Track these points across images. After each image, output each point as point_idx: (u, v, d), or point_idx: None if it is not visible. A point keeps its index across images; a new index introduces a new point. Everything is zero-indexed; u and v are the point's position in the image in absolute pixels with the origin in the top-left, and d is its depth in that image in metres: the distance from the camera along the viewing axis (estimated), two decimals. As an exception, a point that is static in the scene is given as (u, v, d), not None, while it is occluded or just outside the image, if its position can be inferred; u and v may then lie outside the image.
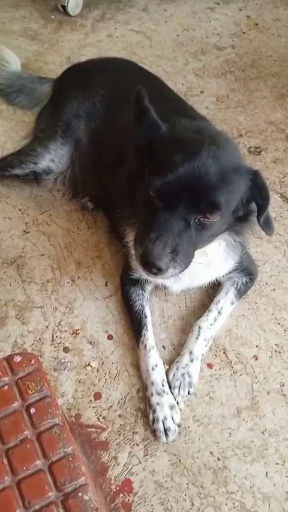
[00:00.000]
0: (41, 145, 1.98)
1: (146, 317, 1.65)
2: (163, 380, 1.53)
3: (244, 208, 1.38)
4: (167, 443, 1.46)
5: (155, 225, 1.23)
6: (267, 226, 1.38)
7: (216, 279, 1.70)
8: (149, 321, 1.65)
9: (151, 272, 1.23)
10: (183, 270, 1.29)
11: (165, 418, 1.47)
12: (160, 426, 1.45)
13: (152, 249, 1.20)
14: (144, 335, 1.61)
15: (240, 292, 1.71)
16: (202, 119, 1.86)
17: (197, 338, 1.60)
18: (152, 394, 1.51)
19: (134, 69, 2.12)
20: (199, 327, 1.62)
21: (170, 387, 1.54)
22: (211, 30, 2.83)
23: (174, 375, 1.56)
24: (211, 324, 1.63)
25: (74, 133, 1.97)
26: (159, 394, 1.50)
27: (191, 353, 1.58)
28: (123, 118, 1.81)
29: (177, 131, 1.36)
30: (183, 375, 1.55)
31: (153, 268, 1.22)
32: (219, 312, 1.66)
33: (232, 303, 1.69)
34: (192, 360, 1.57)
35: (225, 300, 1.68)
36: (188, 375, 1.55)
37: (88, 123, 1.95)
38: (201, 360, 1.60)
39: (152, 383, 1.52)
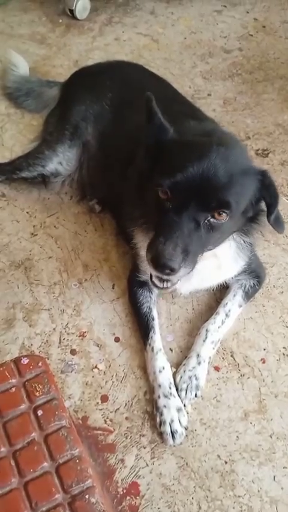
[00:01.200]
0: (49, 148, 1.99)
1: (153, 319, 1.64)
2: (170, 383, 1.53)
3: (254, 209, 1.39)
4: (174, 445, 1.45)
5: (165, 226, 1.23)
6: (278, 224, 1.38)
7: (224, 281, 1.69)
8: (156, 323, 1.64)
9: (164, 273, 1.24)
10: (191, 270, 1.30)
11: (172, 421, 1.46)
12: (167, 429, 1.45)
13: (164, 250, 1.20)
14: (152, 337, 1.61)
15: (248, 295, 1.70)
16: (210, 121, 1.86)
17: (204, 341, 1.60)
18: (159, 397, 1.51)
19: (141, 72, 2.13)
20: (206, 330, 1.62)
21: (177, 389, 1.54)
22: (218, 33, 2.83)
23: (181, 377, 1.55)
24: (218, 327, 1.63)
25: (82, 135, 1.97)
26: (166, 397, 1.50)
27: (198, 355, 1.58)
28: (131, 120, 1.81)
29: (185, 133, 1.37)
30: (190, 378, 1.54)
31: (165, 269, 1.22)
32: (226, 315, 1.65)
33: (240, 306, 1.68)
34: (199, 363, 1.57)
35: (233, 303, 1.67)
36: (195, 378, 1.55)
37: (96, 126, 1.95)
38: (209, 363, 1.60)
39: (159, 386, 1.52)
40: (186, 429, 1.48)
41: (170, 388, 1.52)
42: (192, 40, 2.79)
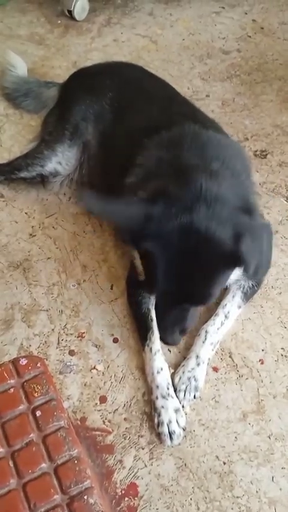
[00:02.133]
0: (48, 148, 1.99)
1: (151, 320, 1.64)
2: (168, 384, 1.53)
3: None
4: (172, 446, 1.45)
5: (162, 315, 1.46)
6: (255, 275, 1.40)
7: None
8: (154, 324, 1.64)
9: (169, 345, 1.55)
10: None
11: (170, 422, 1.46)
12: (165, 429, 1.45)
13: (165, 337, 1.48)
14: (150, 338, 1.60)
15: (247, 296, 1.70)
16: (210, 122, 1.84)
17: (203, 342, 1.60)
18: (157, 397, 1.51)
19: (141, 72, 2.13)
20: (206, 331, 1.62)
21: (175, 390, 1.54)
22: (217, 34, 2.83)
23: (180, 378, 1.55)
24: (218, 328, 1.63)
25: (82, 135, 1.97)
26: (164, 397, 1.50)
27: (197, 357, 1.58)
28: (131, 120, 1.82)
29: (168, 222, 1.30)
30: (189, 379, 1.54)
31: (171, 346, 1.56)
32: (226, 316, 1.65)
33: (239, 307, 1.68)
34: (198, 364, 1.57)
35: (232, 304, 1.67)
36: (194, 379, 1.54)
37: (97, 125, 1.95)
38: (208, 364, 1.60)
39: (157, 386, 1.52)
40: (184, 430, 1.48)
41: (168, 389, 1.52)
42: (190, 41, 2.79)
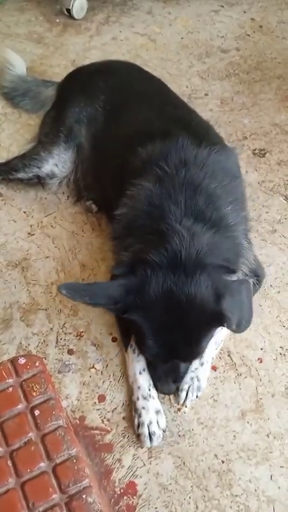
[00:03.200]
0: (45, 150, 1.99)
1: None
2: (150, 385, 1.52)
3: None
4: (150, 447, 1.46)
5: (155, 370, 1.47)
6: (238, 328, 1.34)
7: None
8: None
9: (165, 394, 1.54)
10: None
11: (150, 423, 1.46)
12: (145, 430, 1.45)
13: (160, 387, 1.49)
14: (134, 339, 1.60)
15: None
16: (206, 128, 1.82)
17: None
18: (138, 398, 1.50)
19: (136, 73, 2.11)
20: None
21: (177, 389, 1.53)
22: (215, 33, 2.83)
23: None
24: (221, 328, 1.62)
25: (76, 138, 1.97)
26: (145, 398, 1.50)
27: (201, 357, 1.57)
28: (123, 123, 1.81)
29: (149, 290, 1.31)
30: (192, 379, 1.53)
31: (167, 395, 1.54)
32: None
33: None
34: (202, 364, 1.56)
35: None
36: (197, 379, 1.53)
37: (89, 128, 1.95)
38: (211, 364, 1.59)
39: (139, 387, 1.51)
40: (164, 431, 1.48)
41: (149, 390, 1.51)
42: (189, 40, 2.79)
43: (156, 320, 1.30)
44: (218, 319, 1.29)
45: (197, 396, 1.53)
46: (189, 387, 1.53)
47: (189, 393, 1.52)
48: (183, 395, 1.52)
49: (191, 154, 1.55)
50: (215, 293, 1.28)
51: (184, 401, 1.52)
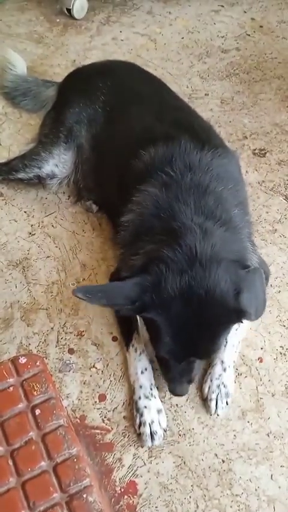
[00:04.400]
0: (45, 150, 1.99)
1: (136, 321, 1.63)
2: (151, 384, 1.53)
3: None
4: (152, 446, 1.46)
5: (168, 367, 1.40)
6: (255, 318, 1.32)
7: None
8: (139, 324, 1.64)
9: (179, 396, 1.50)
10: None
11: (152, 422, 1.46)
12: (147, 430, 1.45)
13: (174, 389, 1.43)
14: (135, 338, 1.60)
15: None
16: (207, 130, 1.81)
17: (225, 346, 1.57)
18: (139, 397, 1.50)
19: (136, 74, 2.10)
20: None
21: (206, 399, 1.53)
22: (216, 33, 2.83)
23: (209, 387, 1.53)
24: (236, 329, 1.60)
25: (77, 138, 1.97)
26: (147, 397, 1.50)
27: (222, 362, 1.56)
28: (122, 124, 1.81)
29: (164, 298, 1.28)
30: (218, 386, 1.52)
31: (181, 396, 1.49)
32: None
33: None
34: (225, 370, 1.55)
35: None
36: (224, 386, 1.53)
37: (89, 129, 1.95)
38: (234, 367, 1.58)
39: (140, 387, 1.52)
40: (165, 431, 1.48)
41: (151, 389, 1.52)
42: (189, 40, 2.79)
43: (174, 316, 1.27)
44: (238, 315, 1.28)
45: (227, 403, 1.52)
46: (217, 396, 1.51)
47: (219, 402, 1.51)
48: (213, 404, 1.51)
49: (195, 158, 1.55)
50: (233, 288, 1.26)
51: (216, 411, 1.51)
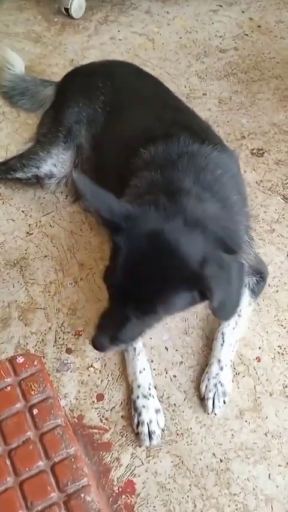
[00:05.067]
0: (43, 150, 1.99)
1: None
2: (150, 384, 1.53)
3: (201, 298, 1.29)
4: (150, 446, 1.46)
5: (106, 310, 1.34)
6: (221, 311, 1.26)
7: None
8: None
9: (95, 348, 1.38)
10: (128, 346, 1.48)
11: (150, 421, 1.46)
12: (145, 429, 1.45)
13: (94, 337, 1.34)
14: None
15: (255, 292, 1.69)
16: (206, 130, 1.81)
17: (222, 345, 1.58)
18: (137, 397, 1.51)
19: (135, 73, 2.10)
20: (222, 333, 1.61)
21: (203, 399, 1.53)
22: (214, 33, 2.83)
23: (206, 386, 1.53)
24: (233, 328, 1.62)
25: (76, 138, 1.97)
26: (145, 397, 1.50)
27: (219, 361, 1.56)
28: (122, 124, 1.81)
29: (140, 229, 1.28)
30: (215, 385, 1.53)
31: (95, 348, 1.37)
32: (238, 315, 1.63)
33: (250, 304, 1.67)
34: (221, 368, 1.55)
35: (243, 303, 1.66)
36: (221, 385, 1.53)
37: (89, 129, 1.94)
38: (231, 366, 1.58)
39: (139, 386, 1.52)
40: (163, 431, 1.48)
41: (149, 389, 1.52)
42: (187, 40, 2.79)
43: (136, 251, 1.25)
44: (196, 282, 1.21)
45: (224, 402, 1.52)
46: (214, 395, 1.51)
47: (216, 401, 1.51)
48: (209, 403, 1.51)
49: (193, 147, 1.55)
50: (204, 256, 1.21)
51: (213, 410, 1.51)
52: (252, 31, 2.84)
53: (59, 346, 1.66)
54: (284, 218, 2.00)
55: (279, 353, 1.64)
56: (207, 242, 1.26)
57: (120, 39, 2.79)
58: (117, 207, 1.28)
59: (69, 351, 1.65)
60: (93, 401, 1.55)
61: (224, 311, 1.25)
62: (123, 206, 1.29)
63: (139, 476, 1.42)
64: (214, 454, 1.45)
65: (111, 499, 1.37)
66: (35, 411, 1.40)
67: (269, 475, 1.42)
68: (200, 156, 1.52)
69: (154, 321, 1.34)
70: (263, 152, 2.23)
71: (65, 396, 1.56)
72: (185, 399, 1.55)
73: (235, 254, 1.33)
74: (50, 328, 1.70)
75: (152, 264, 1.24)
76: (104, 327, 1.33)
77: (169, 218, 1.27)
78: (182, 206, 1.30)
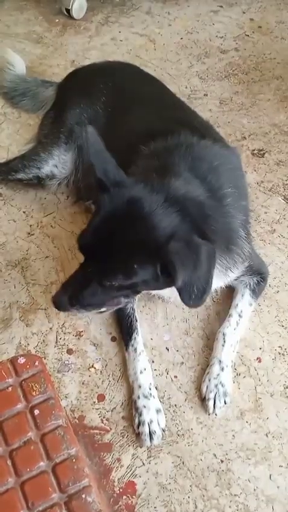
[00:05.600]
0: (45, 151, 1.99)
1: (136, 320, 1.64)
2: (150, 384, 1.53)
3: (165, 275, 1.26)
4: (150, 446, 1.46)
5: (74, 272, 1.35)
6: (185, 296, 1.19)
7: (225, 284, 1.65)
8: (138, 324, 1.64)
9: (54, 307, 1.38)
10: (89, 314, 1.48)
11: (151, 421, 1.47)
12: (146, 429, 1.46)
13: (55, 295, 1.35)
14: (135, 338, 1.61)
15: (256, 292, 1.69)
16: (207, 129, 1.81)
17: (223, 346, 1.59)
18: (138, 397, 1.51)
19: (136, 74, 2.10)
20: (223, 334, 1.61)
21: (204, 399, 1.53)
22: (214, 33, 2.83)
23: (207, 387, 1.54)
24: (234, 329, 1.62)
25: (78, 139, 1.97)
26: (146, 397, 1.50)
27: (220, 361, 1.57)
28: (123, 125, 1.81)
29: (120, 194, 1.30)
30: (216, 385, 1.53)
31: (54, 306, 1.37)
32: (239, 316, 1.64)
33: (250, 304, 1.68)
34: (222, 369, 1.56)
35: (243, 303, 1.67)
36: (222, 385, 1.53)
37: None
38: (232, 367, 1.58)
39: (139, 386, 1.52)
40: (164, 431, 1.48)
41: (150, 389, 1.52)
42: (188, 40, 2.79)
43: (111, 212, 1.27)
44: (159, 254, 1.19)
45: (225, 402, 1.52)
46: (215, 395, 1.52)
47: (217, 401, 1.51)
48: (210, 404, 1.51)
49: (193, 140, 1.55)
50: (172, 232, 1.22)
51: (213, 411, 1.51)
52: (253, 32, 2.84)
53: (60, 347, 1.66)
54: (284, 219, 2.00)
55: (280, 354, 1.64)
56: (182, 222, 1.26)
57: (121, 40, 2.79)
58: (113, 171, 1.31)
59: (70, 351, 1.65)
60: (94, 402, 1.55)
61: (188, 294, 1.18)
62: (118, 173, 1.32)
63: (140, 476, 1.42)
64: (215, 455, 1.45)
65: (112, 500, 1.37)
66: (36, 411, 1.40)
67: (270, 476, 1.42)
68: (199, 147, 1.53)
69: (116, 291, 1.32)
70: (264, 153, 2.23)
71: (66, 397, 1.56)
72: (185, 400, 1.56)
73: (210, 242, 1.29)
74: (51, 329, 1.70)
75: (122, 229, 1.24)
76: (66, 287, 1.35)
77: (152, 192, 1.29)
78: (168, 184, 1.32)
